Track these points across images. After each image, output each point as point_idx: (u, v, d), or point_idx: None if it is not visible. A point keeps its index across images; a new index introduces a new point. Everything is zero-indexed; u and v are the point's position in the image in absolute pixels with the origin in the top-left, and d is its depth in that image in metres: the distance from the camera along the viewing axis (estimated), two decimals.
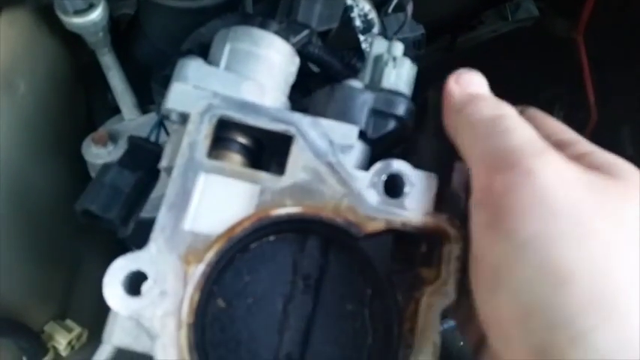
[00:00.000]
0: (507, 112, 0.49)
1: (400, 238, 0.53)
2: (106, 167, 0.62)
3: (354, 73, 0.62)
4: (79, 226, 0.69)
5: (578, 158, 0.47)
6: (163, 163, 0.56)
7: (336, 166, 0.53)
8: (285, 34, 0.61)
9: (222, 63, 0.58)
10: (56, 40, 0.84)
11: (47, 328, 0.91)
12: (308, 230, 0.55)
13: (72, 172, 0.89)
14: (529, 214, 0.41)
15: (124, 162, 0.62)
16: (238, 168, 0.54)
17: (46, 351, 0.88)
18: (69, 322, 0.93)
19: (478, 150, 0.48)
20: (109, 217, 0.60)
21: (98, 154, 0.81)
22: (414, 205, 0.53)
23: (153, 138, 0.66)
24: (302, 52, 0.64)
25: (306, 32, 0.63)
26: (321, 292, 0.54)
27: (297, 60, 0.62)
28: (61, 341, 0.89)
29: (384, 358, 0.52)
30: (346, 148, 0.54)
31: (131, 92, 0.83)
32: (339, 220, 0.52)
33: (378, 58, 0.61)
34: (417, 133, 0.60)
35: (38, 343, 0.87)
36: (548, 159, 0.44)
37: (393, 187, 0.54)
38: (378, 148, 0.59)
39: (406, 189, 0.53)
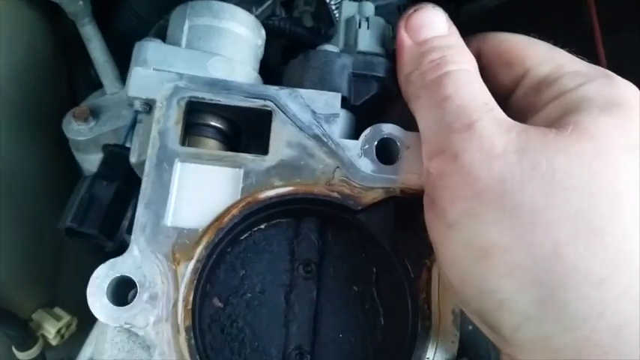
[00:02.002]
0: (450, 67, 0.46)
1: (401, 204, 0.50)
2: (84, 180, 0.58)
3: (326, 41, 0.57)
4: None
5: (553, 102, 0.45)
6: (132, 159, 0.51)
7: (323, 138, 0.49)
8: (246, 5, 0.57)
9: (183, 41, 0.53)
10: (35, 12, 0.79)
11: (35, 316, 0.87)
12: (301, 212, 0.51)
13: (55, 150, 0.84)
14: (456, 197, 0.42)
15: (102, 173, 0.58)
16: (217, 152, 0.49)
17: (35, 340, 0.84)
18: (58, 310, 0.88)
19: (422, 127, 0.47)
20: (92, 232, 0.57)
21: (79, 130, 0.75)
22: (411, 169, 0.49)
23: (128, 142, 0.62)
24: (266, 24, 0.60)
25: (268, 2, 0.59)
26: (323, 277, 0.50)
27: (263, 32, 0.58)
28: (50, 330, 0.85)
29: (400, 336, 0.48)
30: (331, 118, 0.50)
31: (113, 65, 0.78)
32: (333, 194, 0.48)
33: (349, 21, 0.57)
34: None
35: (26, 331, 0.83)
36: (474, 134, 0.42)
37: (387, 153, 0.50)
38: (362, 115, 0.55)
39: (400, 152, 0.50)
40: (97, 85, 0.81)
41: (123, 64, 0.75)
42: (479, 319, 0.43)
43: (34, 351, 0.84)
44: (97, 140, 0.75)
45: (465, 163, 0.42)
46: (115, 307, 0.43)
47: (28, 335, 0.83)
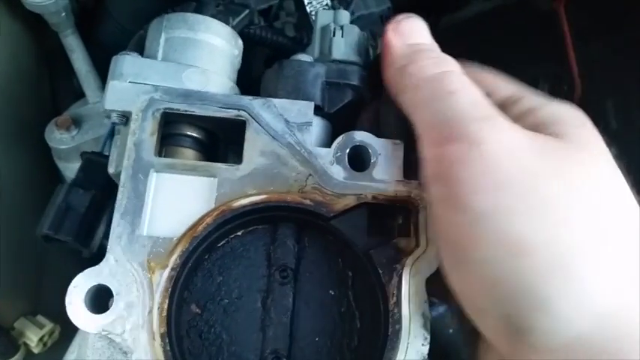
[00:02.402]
0: (451, 67, 0.47)
1: (373, 211, 0.51)
2: (62, 188, 0.60)
3: (304, 49, 0.58)
4: None
5: (525, 116, 0.46)
6: (110, 170, 0.52)
7: (296, 146, 0.50)
8: (223, 16, 0.58)
9: (160, 54, 0.54)
10: (18, 23, 0.80)
11: (17, 324, 0.87)
12: (277, 218, 0.52)
13: (37, 159, 0.85)
14: (482, 187, 0.40)
15: (78, 181, 0.59)
16: (191, 162, 0.50)
17: (17, 348, 0.84)
18: (40, 318, 0.89)
19: (424, 116, 0.46)
20: (66, 239, 0.58)
21: (62, 139, 0.77)
22: (383, 176, 0.50)
23: (107, 150, 0.64)
24: (246, 33, 0.61)
25: (245, 12, 0.60)
26: (300, 282, 0.51)
27: (240, 42, 0.59)
28: (33, 338, 0.86)
29: (374, 339, 0.49)
30: (304, 126, 0.51)
31: (95, 74, 0.80)
32: (306, 202, 0.49)
33: (324, 29, 0.58)
34: (376, 102, 0.57)
35: (8, 339, 0.84)
36: (495, 125, 0.42)
37: (359, 159, 0.51)
38: (337, 122, 0.56)
39: (372, 159, 0.51)
40: (79, 94, 0.83)
41: (105, 74, 0.77)
42: (502, 324, 0.40)
43: (16, 359, 0.84)
44: (79, 149, 0.77)
45: (491, 151, 0.40)
46: (93, 314, 0.45)
47: (10, 343, 0.83)
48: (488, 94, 0.47)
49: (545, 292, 0.38)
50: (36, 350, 0.86)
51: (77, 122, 0.78)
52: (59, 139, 0.78)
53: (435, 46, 0.51)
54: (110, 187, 0.61)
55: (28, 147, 0.84)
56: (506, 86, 0.50)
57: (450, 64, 0.47)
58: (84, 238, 0.59)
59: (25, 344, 0.86)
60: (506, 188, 0.39)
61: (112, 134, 0.59)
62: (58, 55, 0.81)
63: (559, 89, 0.86)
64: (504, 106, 0.47)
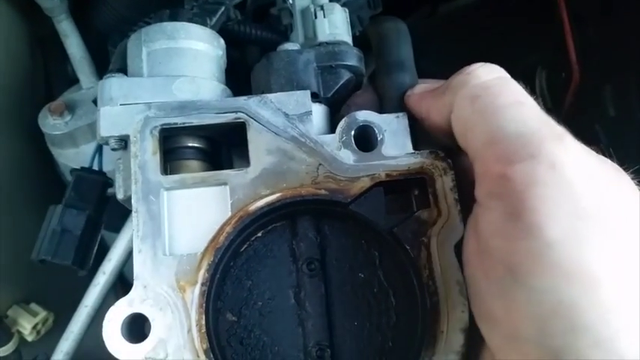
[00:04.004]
0: (503, 73, 0.44)
1: (388, 188, 0.50)
2: (55, 210, 0.59)
3: (287, 37, 0.57)
4: (40, 203, 0.66)
5: None
6: (119, 196, 0.52)
7: (300, 138, 0.49)
8: (199, 18, 0.56)
9: (144, 70, 0.53)
10: (10, 7, 0.79)
11: (10, 312, 0.87)
12: (294, 213, 0.51)
13: (31, 145, 0.85)
14: (557, 213, 0.37)
15: (71, 201, 0.59)
16: (199, 174, 0.49)
17: (10, 336, 0.85)
18: (33, 306, 0.88)
19: (484, 130, 0.42)
20: (65, 264, 0.59)
21: (55, 124, 0.76)
22: (393, 151, 0.50)
23: (95, 165, 0.63)
24: (224, 30, 0.59)
25: (221, 9, 0.58)
26: (327, 271, 0.51)
27: (222, 42, 0.57)
28: (26, 326, 0.85)
29: (412, 314, 0.49)
30: (304, 116, 0.50)
31: (89, 60, 0.79)
32: (321, 192, 0.49)
33: (304, 12, 0.57)
34: (369, 79, 0.56)
35: (1, 327, 0.84)
36: (570, 145, 0.39)
37: (365, 140, 0.50)
38: (336, 106, 0.55)
39: (379, 137, 0.50)
40: (74, 80, 0.82)
41: (99, 60, 0.76)
42: (544, 355, 0.37)
43: (9, 347, 0.84)
44: (73, 134, 0.76)
45: (568, 175, 0.38)
46: (133, 344, 0.44)
47: (2, 331, 0.83)
48: None
49: (608, 331, 0.36)
50: (29, 338, 0.86)
51: (71, 108, 0.77)
52: (52, 124, 0.77)
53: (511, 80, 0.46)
54: (103, 203, 0.61)
55: (21, 133, 0.83)
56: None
57: (500, 70, 0.45)
58: (82, 260, 0.59)
59: (19, 332, 0.86)
60: (583, 218, 0.37)
61: (98, 150, 0.58)
62: (52, 40, 0.80)
63: (557, 76, 0.86)
64: None
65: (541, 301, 0.37)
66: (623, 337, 0.36)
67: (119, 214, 0.64)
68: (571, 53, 0.82)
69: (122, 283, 0.79)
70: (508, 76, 0.45)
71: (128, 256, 0.76)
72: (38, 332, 0.87)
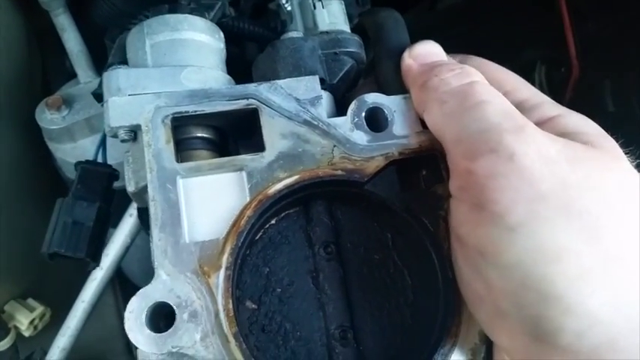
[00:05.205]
0: (475, 78, 0.47)
1: (401, 167, 0.51)
2: (62, 203, 0.57)
3: (280, 34, 0.58)
4: (37, 198, 0.63)
5: (549, 123, 0.46)
6: (130, 188, 0.50)
7: (313, 122, 0.50)
8: (198, 13, 0.56)
9: (149, 61, 0.52)
10: (8, 1, 0.77)
11: (7, 307, 0.85)
12: (306, 198, 0.51)
13: (29, 140, 0.83)
14: (517, 199, 0.40)
15: (79, 193, 0.57)
16: (215, 161, 0.49)
17: (6, 331, 0.83)
18: (31, 301, 0.87)
19: (452, 129, 0.45)
20: (79, 256, 0.57)
21: (52, 119, 0.75)
22: (403, 131, 0.51)
23: (100, 157, 0.61)
24: (221, 25, 0.59)
25: (218, 5, 0.59)
26: (343, 254, 0.51)
27: (222, 35, 0.58)
28: (23, 321, 0.84)
29: (432, 290, 0.50)
30: (315, 100, 0.51)
31: (87, 54, 0.78)
32: (338, 173, 0.49)
33: (302, 4, 0.58)
34: (370, 66, 0.58)
35: None
36: (529, 135, 0.42)
37: (376, 121, 0.51)
38: (339, 94, 0.56)
39: (389, 117, 0.51)
40: (71, 75, 0.80)
41: (97, 54, 0.75)
42: (526, 327, 0.40)
43: (6, 342, 0.83)
44: (70, 129, 0.75)
45: (526, 164, 0.41)
46: (158, 334, 0.43)
47: None
48: (505, 94, 0.47)
49: (578, 297, 0.38)
50: (27, 334, 0.85)
51: (68, 102, 0.75)
52: (50, 119, 0.75)
53: (453, 61, 0.50)
54: (110, 195, 0.60)
55: (18, 127, 0.81)
56: (525, 88, 0.50)
57: (473, 75, 0.47)
58: (94, 253, 0.57)
59: (16, 327, 0.84)
60: (543, 201, 0.40)
61: (102, 142, 0.57)
62: (50, 34, 0.78)
63: (556, 71, 0.88)
64: (521, 109, 0.46)
65: (510, 276, 0.40)
66: (595, 300, 0.39)
67: (116, 209, 0.62)
68: (571, 48, 0.84)
69: (119, 279, 0.76)
70: (479, 79, 0.47)
71: (125, 252, 0.74)
72: (35, 327, 0.85)
